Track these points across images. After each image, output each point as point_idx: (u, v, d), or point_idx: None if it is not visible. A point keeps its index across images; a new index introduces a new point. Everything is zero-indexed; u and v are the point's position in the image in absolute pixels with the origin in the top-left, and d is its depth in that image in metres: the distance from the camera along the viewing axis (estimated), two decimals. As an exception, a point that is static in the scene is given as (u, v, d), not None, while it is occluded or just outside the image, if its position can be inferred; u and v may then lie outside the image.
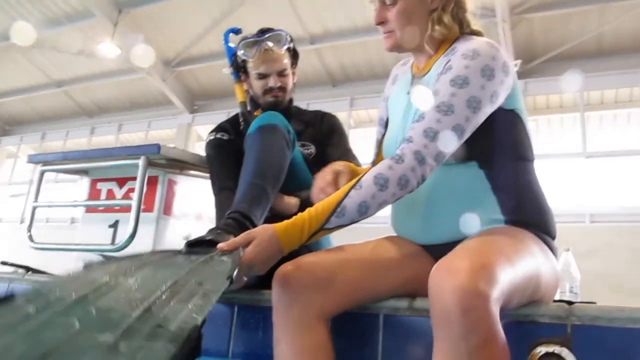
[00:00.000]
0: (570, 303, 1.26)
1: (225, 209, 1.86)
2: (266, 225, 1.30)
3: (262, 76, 2.15)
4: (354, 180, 1.28)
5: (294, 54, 2.23)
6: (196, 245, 1.42)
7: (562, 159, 7.95)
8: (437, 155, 1.26)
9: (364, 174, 1.27)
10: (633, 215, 6.86)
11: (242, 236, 1.30)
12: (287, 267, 1.33)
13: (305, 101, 8.68)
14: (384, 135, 1.68)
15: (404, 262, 1.41)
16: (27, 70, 11.05)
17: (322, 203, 1.28)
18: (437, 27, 1.43)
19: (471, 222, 1.36)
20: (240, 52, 2.16)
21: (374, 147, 1.76)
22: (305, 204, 1.86)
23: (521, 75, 7.76)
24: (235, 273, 1.18)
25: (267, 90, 2.16)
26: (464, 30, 1.47)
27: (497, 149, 1.39)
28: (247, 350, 1.62)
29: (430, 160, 1.25)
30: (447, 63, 1.37)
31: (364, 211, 1.24)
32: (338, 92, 9.36)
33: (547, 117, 8.86)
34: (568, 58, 7.78)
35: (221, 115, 9.90)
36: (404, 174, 1.23)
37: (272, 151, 1.79)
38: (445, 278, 1.01)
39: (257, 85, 2.17)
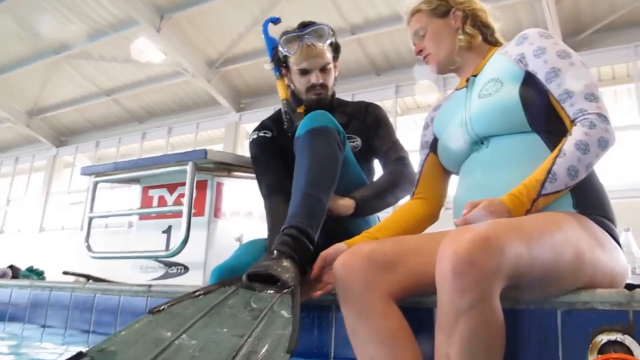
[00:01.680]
0: (631, 287, 1.21)
1: (275, 214, 1.86)
2: None
3: (304, 72, 2.10)
4: (556, 151, 1.33)
5: (335, 48, 2.18)
6: (256, 279, 1.44)
7: (618, 132, 7.67)
8: (607, 110, 1.38)
9: (563, 144, 1.33)
10: (697, 187, 6.57)
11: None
12: (345, 255, 1.36)
13: (350, 92, 8.66)
14: (428, 154, 1.77)
15: None
16: (77, 81, 11.38)
17: (532, 175, 1.33)
18: (460, 37, 1.64)
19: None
20: (281, 48, 2.12)
21: (417, 172, 1.80)
22: (361, 204, 1.84)
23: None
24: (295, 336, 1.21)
25: (310, 88, 2.10)
26: (490, 37, 1.68)
27: (557, 117, 1.43)
28: (304, 349, 1.62)
29: (608, 115, 1.36)
30: (520, 51, 1.50)
31: (574, 174, 1.30)
32: (383, 81, 9.25)
33: (600, 91, 8.56)
34: (618, 27, 7.48)
35: (268, 112, 9.88)
36: (602, 135, 1.33)
37: (324, 157, 1.73)
38: (448, 245, 1.08)
39: (300, 82, 2.13)
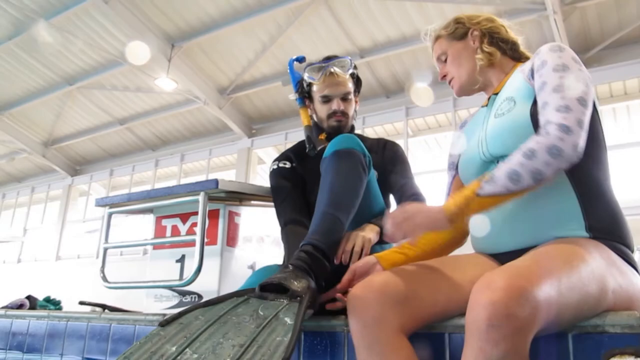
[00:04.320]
0: (643, 310, 1.21)
1: (291, 243, 1.88)
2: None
3: (327, 99, 2.17)
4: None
5: (357, 81, 2.26)
6: (268, 289, 1.50)
7: (631, 148, 7.64)
8: (579, 122, 1.30)
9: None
10: None
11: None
12: (358, 289, 1.36)
13: (361, 115, 8.69)
14: (455, 176, 1.76)
15: (476, 277, 1.40)
16: (91, 111, 11.55)
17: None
18: (479, 57, 1.63)
19: (550, 227, 1.36)
20: (305, 75, 2.20)
21: (445, 194, 1.78)
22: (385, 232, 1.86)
23: (579, 66, 7.53)
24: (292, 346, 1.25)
25: (331, 114, 2.17)
26: (511, 52, 1.66)
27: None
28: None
29: (575, 127, 1.29)
30: (531, 66, 1.49)
31: (516, 178, 1.28)
32: (393, 103, 9.28)
33: (611, 107, 8.55)
34: (628, 43, 7.51)
35: (279, 137, 10.05)
36: (554, 143, 1.28)
37: (347, 178, 1.77)
38: (482, 292, 1.07)
39: (321, 109, 2.19)
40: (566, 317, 1.16)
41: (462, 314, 1.38)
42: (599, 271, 1.22)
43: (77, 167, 13.83)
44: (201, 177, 11.77)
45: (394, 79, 9.15)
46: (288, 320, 1.35)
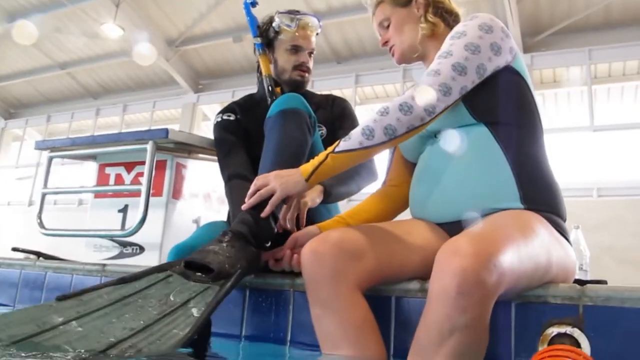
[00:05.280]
0: (582, 283, 1.26)
1: (235, 198, 1.85)
2: None
3: (296, 50, 2.14)
4: None
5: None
6: (193, 266, 1.41)
7: (570, 132, 7.90)
8: (442, 85, 1.33)
9: None
10: (641, 189, 6.84)
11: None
12: (314, 242, 1.34)
13: (311, 79, 8.63)
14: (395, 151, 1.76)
15: (426, 243, 1.42)
16: (31, 53, 11.02)
17: None
18: (422, 26, 1.61)
19: (486, 199, 1.37)
20: (278, 21, 2.14)
21: (388, 161, 1.79)
22: (328, 190, 1.84)
23: (527, 49, 7.70)
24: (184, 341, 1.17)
25: (297, 66, 2.14)
26: (453, 23, 1.62)
27: (504, 108, 1.42)
28: (259, 333, 1.63)
29: (434, 88, 1.33)
30: None
31: (369, 133, 1.33)
32: (343, 69, 9.24)
33: (554, 92, 8.79)
34: (575, 31, 7.68)
35: (226, 94, 9.88)
36: (405, 101, 1.33)
37: (294, 138, 1.74)
38: (450, 259, 1.05)
39: (287, 60, 2.15)
40: (521, 285, 1.19)
41: (415, 277, 1.41)
42: (545, 242, 1.25)
43: (11, 110, 13.23)
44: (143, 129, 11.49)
45: (346, 45, 9.11)
46: (195, 312, 1.26)
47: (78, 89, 11.99)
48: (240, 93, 9.36)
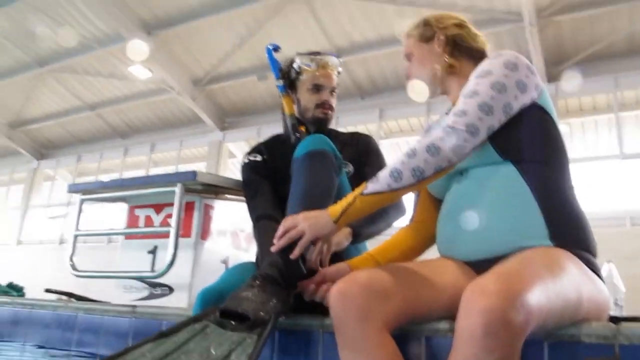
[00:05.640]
0: (616, 321, 1.23)
1: (264, 239, 1.85)
2: None
3: (317, 89, 2.15)
4: None
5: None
6: (229, 315, 1.41)
7: (598, 161, 7.82)
8: (469, 126, 1.34)
9: None
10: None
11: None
12: (342, 283, 1.31)
13: (335, 114, 8.63)
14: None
15: (454, 282, 1.40)
16: (61, 95, 11.34)
17: None
18: (446, 60, 1.61)
19: (514, 237, 1.35)
20: (298, 62, 2.16)
21: (414, 198, 1.77)
22: (357, 232, 1.84)
23: (552, 78, 7.67)
24: None
25: (320, 104, 2.15)
26: (478, 60, 1.56)
27: (530, 145, 1.41)
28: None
29: (461, 129, 1.33)
30: None
31: (397, 175, 1.34)
32: (367, 104, 9.31)
33: (580, 120, 8.73)
34: (599, 59, 7.66)
35: (252, 132, 10.00)
36: (432, 142, 1.33)
37: (321, 179, 1.75)
38: (477, 298, 1.03)
39: (310, 99, 2.16)
40: (550, 323, 1.17)
41: (444, 317, 1.39)
42: (575, 279, 1.23)
43: (43, 150, 13.56)
44: (170, 168, 11.66)
45: (370, 80, 9.18)
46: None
47: (107, 129, 12.24)
48: (265, 130, 9.56)
